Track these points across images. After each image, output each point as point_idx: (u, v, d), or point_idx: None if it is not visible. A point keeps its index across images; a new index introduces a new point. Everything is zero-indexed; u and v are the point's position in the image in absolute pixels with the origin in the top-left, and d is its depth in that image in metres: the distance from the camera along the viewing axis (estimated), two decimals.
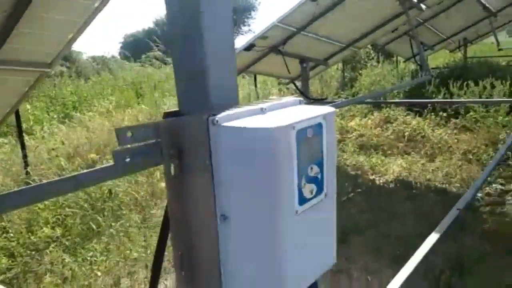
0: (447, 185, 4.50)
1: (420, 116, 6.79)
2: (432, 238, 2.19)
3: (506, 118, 5.70)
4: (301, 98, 0.85)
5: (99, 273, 2.92)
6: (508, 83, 6.46)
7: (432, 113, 6.68)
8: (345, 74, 11.54)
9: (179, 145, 0.70)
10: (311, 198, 0.74)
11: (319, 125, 0.74)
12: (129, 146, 0.67)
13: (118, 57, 23.20)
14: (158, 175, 4.63)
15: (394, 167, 5.02)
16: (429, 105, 6.87)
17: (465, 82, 6.97)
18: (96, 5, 2.84)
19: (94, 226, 3.53)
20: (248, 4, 36.55)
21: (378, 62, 11.15)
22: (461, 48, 11.70)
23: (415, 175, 4.77)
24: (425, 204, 4.04)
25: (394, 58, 12.32)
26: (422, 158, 5.26)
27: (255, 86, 8.84)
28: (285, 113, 0.76)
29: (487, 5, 7.90)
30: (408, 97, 8.07)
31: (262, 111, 0.75)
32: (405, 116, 6.85)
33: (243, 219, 0.70)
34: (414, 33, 5.77)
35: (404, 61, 10.99)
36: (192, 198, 0.72)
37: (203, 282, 0.74)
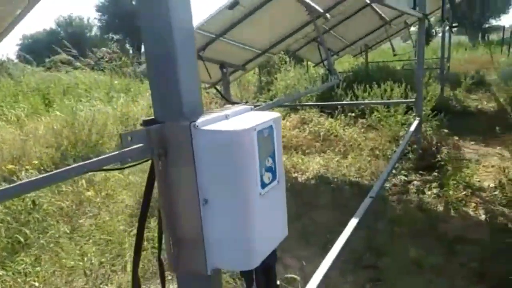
0: (359, 178, 5.01)
1: (331, 117, 7.41)
2: (352, 223, 2.53)
3: (404, 117, 6.47)
4: (252, 106, 1.06)
5: (36, 284, 2.84)
6: (403, 85, 7.33)
7: (342, 114, 7.32)
8: (261, 78, 12.04)
9: (166, 146, 0.87)
10: (268, 183, 0.95)
11: (271, 127, 0.96)
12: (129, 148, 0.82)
13: (16, 60, 21.48)
14: (84, 184, 4.53)
15: (313, 165, 5.45)
16: (339, 106, 7.53)
17: (368, 85, 7.74)
18: (18, 12, 2.77)
19: (21, 239, 3.38)
20: None
21: (290, 66, 11.80)
22: (363, 53, 12.91)
23: (332, 171, 5.24)
24: (342, 196, 4.49)
25: (305, 63, 13.15)
26: (337, 155, 5.77)
27: None
28: (245, 118, 0.97)
29: (382, 15, 8.86)
30: (319, 100, 8.72)
31: (227, 117, 0.95)
32: (319, 117, 7.42)
33: (221, 201, 0.89)
34: (322, 40, 6.29)
35: (314, 66, 11.79)
36: (179, 187, 0.89)
37: (191, 253, 0.92)
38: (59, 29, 37.38)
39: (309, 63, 12.33)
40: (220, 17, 4.98)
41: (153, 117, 0.98)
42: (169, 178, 0.89)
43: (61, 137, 6.30)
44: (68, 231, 3.66)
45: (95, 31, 36.03)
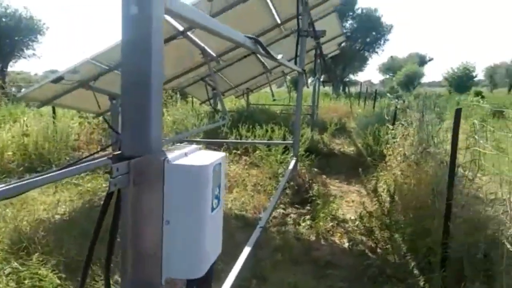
0: (244, 212, 5.38)
1: None
2: (246, 251, 2.83)
3: (283, 156, 7.16)
4: (200, 145, 1.31)
5: None
6: (283, 128, 8.15)
7: (227, 151, 7.75)
8: None
9: (141, 175, 1.06)
10: (215, 208, 1.20)
11: (220, 164, 1.22)
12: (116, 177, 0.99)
13: None
14: None
15: None
16: (224, 144, 7.98)
17: (251, 126, 8.39)
18: None
19: None
20: (33, 27, 33.06)
21: (176, 102, 12.04)
22: (245, 95, 13.88)
23: None
24: (230, 228, 4.78)
25: (190, 99, 13.53)
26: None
27: (54, 118, 8.37)
28: (200, 155, 1.21)
29: (265, 63, 9.82)
30: (206, 136, 9.09)
31: (186, 154, 1.19)
32: None
33: (180, 222, 1.10)
34: (215, 81, 6.75)
35: (200, 103, 12.24)
36: (146, 210, 1.08)
37: (148, 266, 1.10)
38: None
39: (194, 100, 12.73)
40: (117, 50, 5.04)
41: (120, 152, 1.16)
42: (139, 203, 1.07)
43: None
44: None
45: None
